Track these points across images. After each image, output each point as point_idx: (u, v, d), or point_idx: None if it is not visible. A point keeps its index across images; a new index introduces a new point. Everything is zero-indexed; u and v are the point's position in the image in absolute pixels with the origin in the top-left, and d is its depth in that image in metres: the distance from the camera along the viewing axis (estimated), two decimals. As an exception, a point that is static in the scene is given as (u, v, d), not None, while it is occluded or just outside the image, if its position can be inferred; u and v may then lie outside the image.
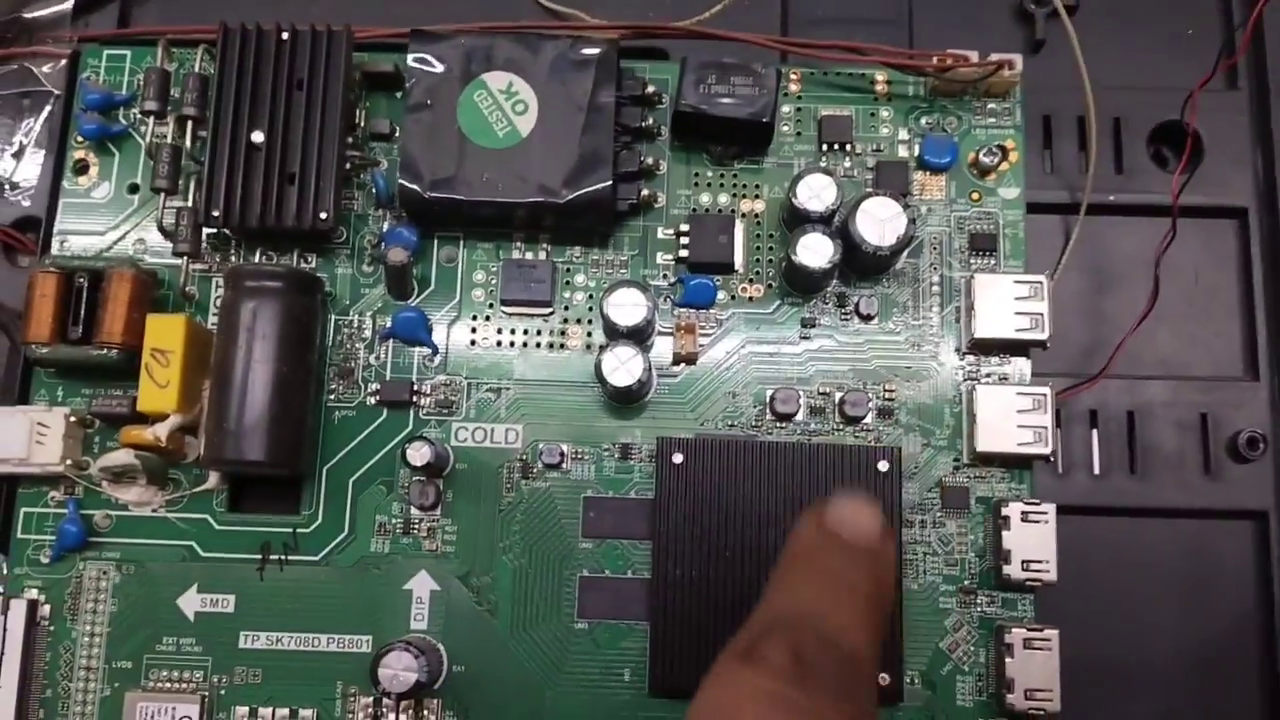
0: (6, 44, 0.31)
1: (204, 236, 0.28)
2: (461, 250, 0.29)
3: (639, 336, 0.27)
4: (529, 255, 0.29)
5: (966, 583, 0.26)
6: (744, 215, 0.29)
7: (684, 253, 0.28)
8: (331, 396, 0.28)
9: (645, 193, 0.29)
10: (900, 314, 0.28)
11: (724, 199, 0.29)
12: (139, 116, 0.29)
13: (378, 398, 0.28)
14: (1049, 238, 0.30)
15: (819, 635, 0.16)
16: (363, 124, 0.29)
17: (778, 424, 0.28)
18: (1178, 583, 0.28)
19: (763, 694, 0.15)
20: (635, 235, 0.29)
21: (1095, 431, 0.28)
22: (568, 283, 0.29)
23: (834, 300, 0.28)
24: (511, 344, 0.29)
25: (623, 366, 0.26)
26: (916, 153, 0.29)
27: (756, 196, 0.29)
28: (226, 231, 0.28)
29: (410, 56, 0.28)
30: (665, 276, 0.29)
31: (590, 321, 0.28)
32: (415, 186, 0.28)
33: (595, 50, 0.28)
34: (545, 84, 0.28)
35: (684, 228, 0.29)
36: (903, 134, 0.30)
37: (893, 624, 0.25)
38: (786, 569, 0.18)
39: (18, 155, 0.31)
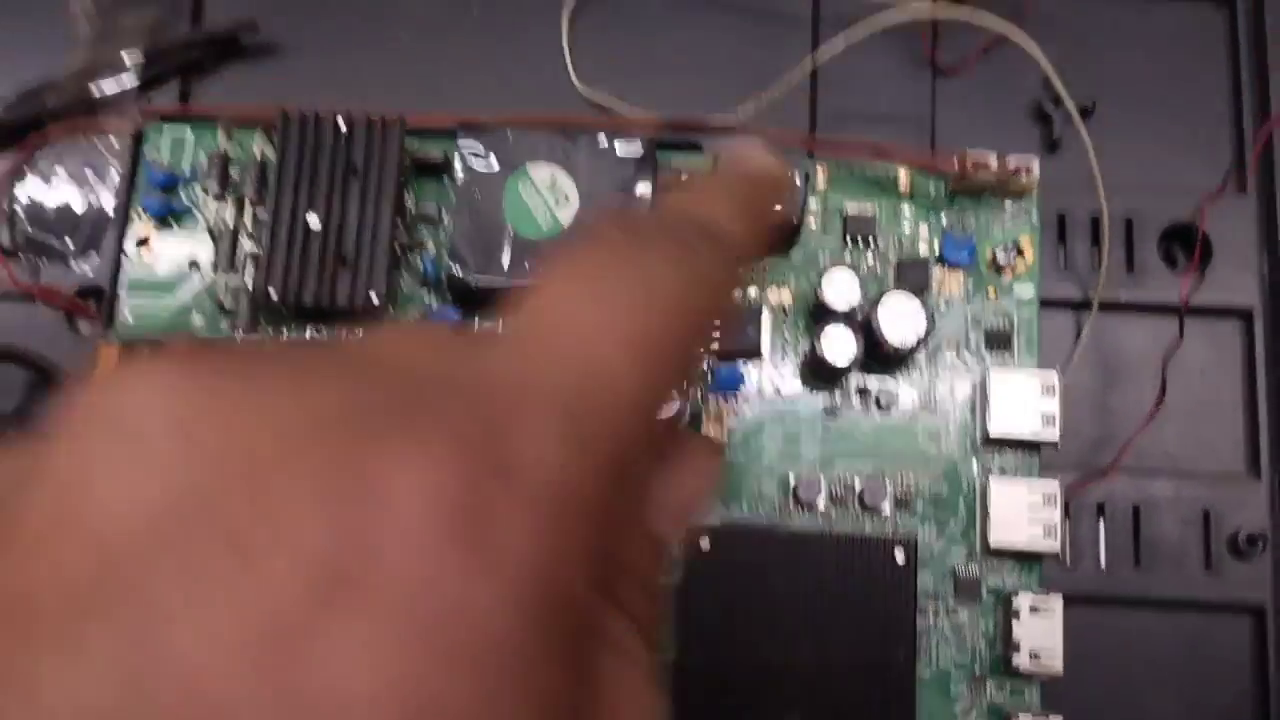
0: (73, 118, 0.32)
1: (259, 312, 0.30)
2: (502, 331, 0.31)
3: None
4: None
5: (977, 671, 0.28)
6: (771, 306, 0.31)
7: (714, 344, 0.30)
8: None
9: (678, 282, 0.30)
10: (918, 406, 0.30)
11: (752, 291, 0.31)
12: (200, 196, 0.31)
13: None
14: (1061, 333, 0.31)
15: (666, 208, 0.16)
16: (413, 208, 0.31)
17: (800, 511, 0.29)
18: (1178, 673, 0.29)
19: (583, 246, 0.14)
20: (667, 321, 0.30)
21: (1102, 524, 0.30)
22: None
23: (855, 390, 0.30)
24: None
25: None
26: (936, 250, 0.31)
27: (783, 285, 0.31)
28: (281, 308, 0.30)
29: (459, 147, 0.30)
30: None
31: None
32: (461, 272, 0.29)
33: (633, 144, 0.30)
34: (586, 176, 0.30)
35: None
36: (924, 230, 0.31)
37: (906, 702, 0.27)
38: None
39: (82, 225, 0.32)
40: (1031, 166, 0.31)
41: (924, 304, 0.29)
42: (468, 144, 0.30)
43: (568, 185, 0.30)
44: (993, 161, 0.31)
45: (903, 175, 0.31)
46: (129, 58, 0.32)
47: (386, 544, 0.09)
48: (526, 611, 0.10)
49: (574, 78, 0.33)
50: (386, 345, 0.13)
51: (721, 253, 0.14)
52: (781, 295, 0.31)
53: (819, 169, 0.31)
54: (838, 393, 0.30)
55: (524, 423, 0.11)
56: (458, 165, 0.30)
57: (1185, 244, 0.32)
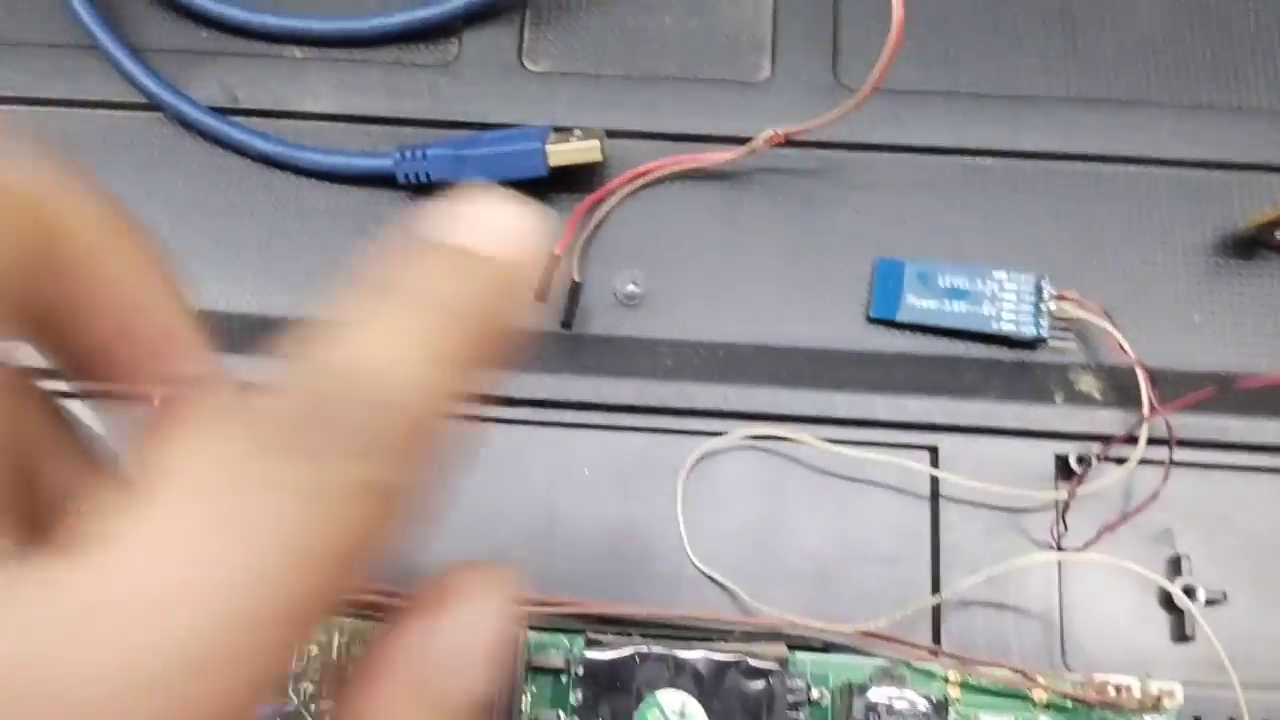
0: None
1: None
2: None
3: None
4: None
5: None
6: (908, 844, 0.29)
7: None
8: None
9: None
10: None
11: (887, 822, 0.29)
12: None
13: None
14: None
15: (339, 378, 0.11)
16: (526, 710, 0.30)
17: None
18: None
19: (216, 471, 0.10)
20: None
21: None
22: None
23: None
24: None
25: None
26: (1078, 770, 0.30)
27: (914, 803, 0.29)
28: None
29: (585, 653, 0.29)
30: None
31: None
32: (585, 809, 0.28)
33: (765, 665, 0.29)
34: (716, 700, 0.29)
35: None
36: (1062, 749, 0.30)
37: None
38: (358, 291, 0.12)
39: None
40: (1175, 692, 0.30)
41: None
42: (594, 649, 0.29)
43: (697, 712, 0.29)
44: (1135, 685, 0.30)
45: (1039, 692, 0.30)
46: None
47: None
48: None
49: (689, 551, 0.32)
50: None
51: (399, 454, 0.10)
52: (916, 824, 0.29)
53: (949, 677, 0.30)
54: None
55: None
56: (576, 670, 0.29)
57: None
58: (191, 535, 0.09)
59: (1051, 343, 0.33)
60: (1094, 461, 0.31)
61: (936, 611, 0.31)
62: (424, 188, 0.34)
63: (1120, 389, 0.33)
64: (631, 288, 0.34)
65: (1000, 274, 0.33)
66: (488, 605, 0.12)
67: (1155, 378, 0.32)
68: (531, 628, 0.30)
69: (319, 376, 0.11)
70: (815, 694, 0.30)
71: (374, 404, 0.10)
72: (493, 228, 0.12)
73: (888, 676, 0.30)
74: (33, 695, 0.08)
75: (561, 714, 0.29)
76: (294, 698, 0.29)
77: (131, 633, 0.09)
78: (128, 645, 0.09)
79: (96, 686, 0.08)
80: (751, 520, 0.32)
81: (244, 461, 0.10)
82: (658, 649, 0.29)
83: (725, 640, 0.30)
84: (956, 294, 0.33)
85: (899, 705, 0.29)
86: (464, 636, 0.12)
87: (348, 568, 0.10)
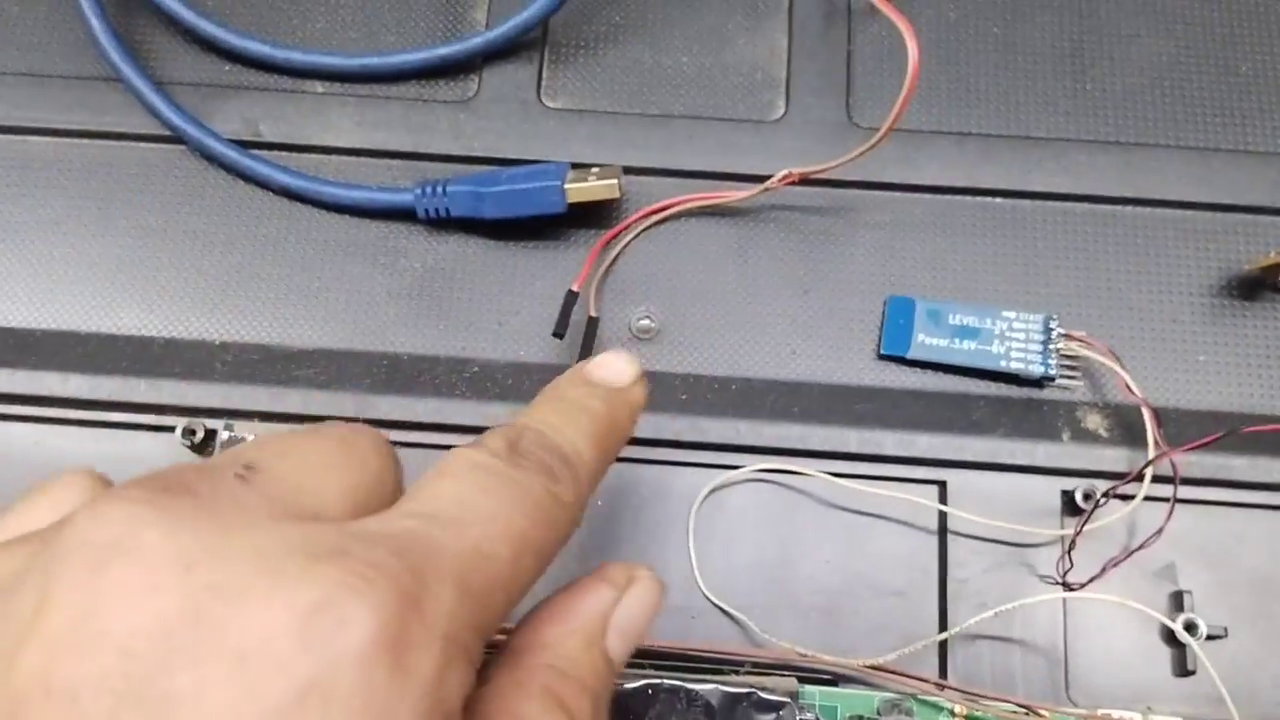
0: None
1: None
2: None
3: None
4: None
5: None
6: None
7: None
8: None
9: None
10: None
11: None
12: None
13: None
14: None
15: (538, 433, 0.18)
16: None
17: None
18: None
19: (475, 465, 0.17)
20: None
21: None
22: None
23: None
24: None
25: None
26: (1081, 810, 0.30)
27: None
28: None
29: None
30: None
31: None
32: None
33: (775, 698, 0.30)
34: (727, 731, 0.29)
35: None
36: (1066, 783, 0.30)
37: None
38: (533, 402, 0.20)
39: None
40: (1176, 729, 0.30)
41: None
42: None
43: (709, 745, 0.29)
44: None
45: (1044, 726, 0.31)
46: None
47: (343, 657, 0.13)
48: (421, 716, 0.13)
49: (700, 583, 0.32)
50: (309, 476, 0.17)
51: (574, 485, 0.18)
52: None
53: (955, 709, 0.31)
54: None
55: (432, 573, 0.14)
56: None
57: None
58: (463, 488, 0.16)
59: (1059, 381, 0.34)
60: (1100, 498, 0.32)
61: (944, 645, 0.32)
62: (444, 222, 0.35)
63: (1126, 427, 0.33)
64: (646, 322, 0.35)
65: (1009, 313, 0.34)
66: (654, 593, 0.19)
67: (1161, 416, 0.32)
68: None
69: (521, 431, 0.18)
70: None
71: (552, 449, 0.18)
72: (614, 368, 0.21)
73: (895, 709, 0.30)
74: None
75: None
76: None
77: (433, 526, 0.15)
78: (441, 531, 0.15)
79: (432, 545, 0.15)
80: (762, 553, 0.33)
81: (482, 459, 0.17)
82: (670, 681, 0.30)
83: (736, 673, 0.30)
84: (966, 332, 0.34)
85: (907, 740, 0.29)
86: (635, 610, 0.18)
87: (562, 540, 0.17)
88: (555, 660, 0.17)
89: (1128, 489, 0.32)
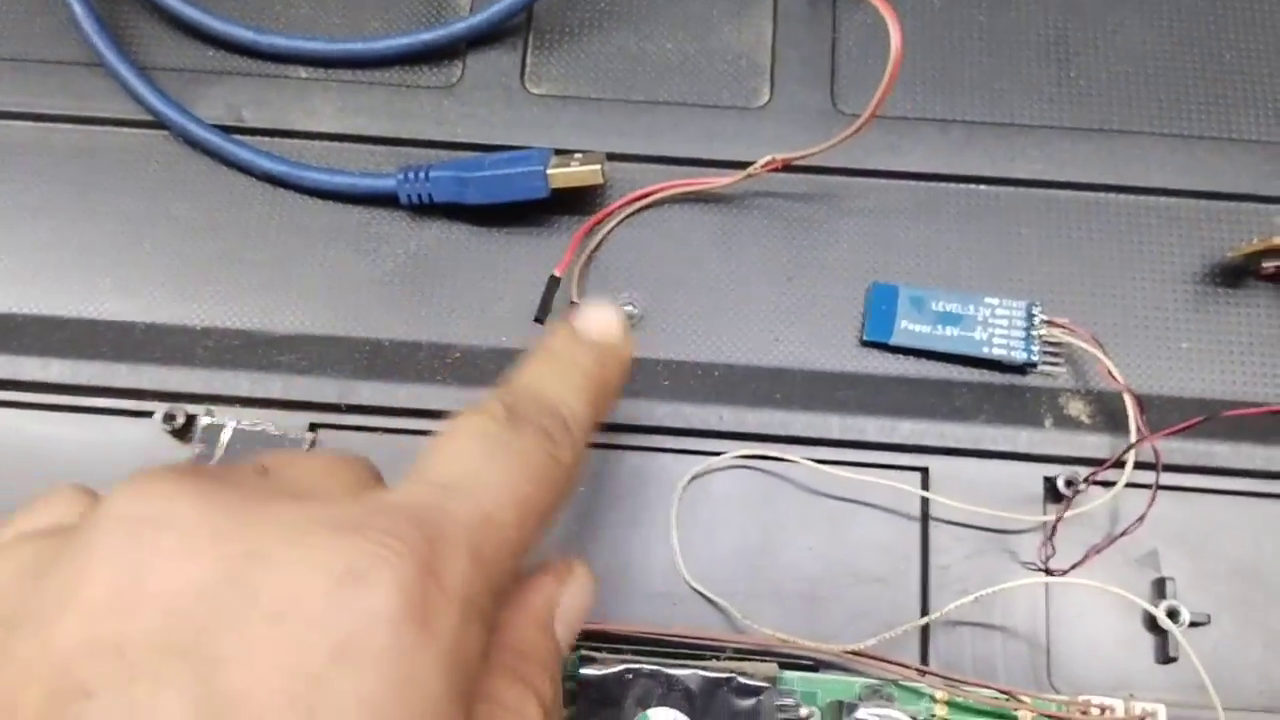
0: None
1: None
2: None
3: None
4: None
5: None
6: None
7: None
8: None
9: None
10: None
11: (875, 840, 0.30)
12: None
13: None
14: None
15: (533, 395, 0.20)
16: None
17: None
18: None
19: (481, 433, 0.18)
20: None
21: None
22: None
23: None
24: None
25: None
26: (1062, 795, 0.30)
27: (901, 821, 0.30)
28: None
29: (579, 670, 0.30)
30: None
31: None
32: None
33: (755, 683, 0.30)
34: (707, 718, 0.29)
35: None
36: (1046, 768, 0.30)
37: None
38: (525, 359, 0.21)
39: None
40: (1157, 712, 0.30)
41: None
42: (589, 667, 0.30)
43: (688, 729, 0.29)
44: (1118, 707, 0.30)
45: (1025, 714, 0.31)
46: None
47: (375, 618, 0.14)
48: (446, 673, 0.15)
49: (682, 569, 0.32)
50: (316, 477, 0.18)
51: (572, 442, 0.19)
52: (903, 842, 0.30)
53: (936, 696, 0.31)
54: None
55: (446, 542, 0.16)
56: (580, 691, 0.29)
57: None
58: (470, 457, 0.18)
59: (1042, 368, 0.34)
60: (1082, 484, 0.32)
61: (925, 631, 0.32)
62: (426, 208, 0.35)
63: (1109, 414, 0.33)
64: (629, 308, 0.35)
65: (992, 300, 0.34)
66: (590, 587, 0.21)
67: (1143, 403, 0.32)
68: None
69: (519, 394, 0.20)
70: (805, 712, 0.30)
71: (550, 412, 0.19)
72: (601, 322, 0.22)
73: (876, 695, 0.30)
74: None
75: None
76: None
77: (444, 497, 0.17)
78: (453, 501, 0.17)
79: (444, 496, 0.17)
80: (744, 539, 0.33)
81: (486, 426, 0.19)
82: (650, 666, 0.30)
83: (717, 658, 0.30)
84: (949, 319, 0.34)
85: (887, 725, 0.29)
86: (577, 601, 0.21)
87: (562, 499, 0.19)
88: (515, 643, 0.18)
89: (1110, 475, 0.32)
